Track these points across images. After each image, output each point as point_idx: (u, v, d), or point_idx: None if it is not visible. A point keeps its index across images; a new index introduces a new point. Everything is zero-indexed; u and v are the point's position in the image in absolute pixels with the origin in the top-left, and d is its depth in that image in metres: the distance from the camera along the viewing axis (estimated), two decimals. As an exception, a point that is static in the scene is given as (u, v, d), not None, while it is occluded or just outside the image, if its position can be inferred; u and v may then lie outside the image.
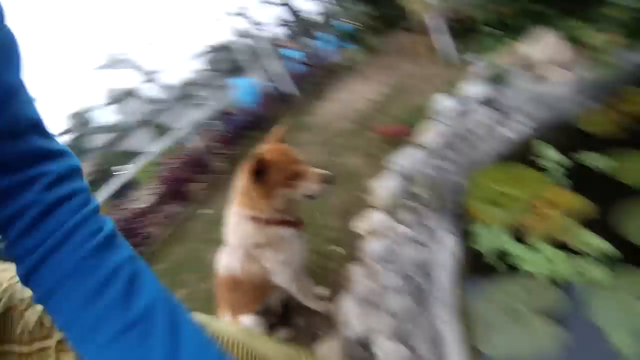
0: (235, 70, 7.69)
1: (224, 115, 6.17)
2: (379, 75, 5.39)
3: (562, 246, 1.76)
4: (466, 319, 1.60)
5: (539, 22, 2.98)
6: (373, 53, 7.53)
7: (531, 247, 1.82)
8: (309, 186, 1.31)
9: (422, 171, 2.41)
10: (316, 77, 7.21)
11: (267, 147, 1.35)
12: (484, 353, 1.46)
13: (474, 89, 2.79)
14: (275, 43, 7.69)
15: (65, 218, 0.46)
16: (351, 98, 5.11)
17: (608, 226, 1.75)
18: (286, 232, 1.41)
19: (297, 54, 8.45)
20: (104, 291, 0.45)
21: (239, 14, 5.99)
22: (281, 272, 1.46)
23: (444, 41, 4.18)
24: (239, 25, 6.23)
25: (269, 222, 1.34)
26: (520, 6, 3.02)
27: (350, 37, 8.71)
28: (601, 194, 1.95)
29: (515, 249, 1.85)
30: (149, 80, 5.88)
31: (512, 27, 3.10)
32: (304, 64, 7.95)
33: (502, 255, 1.84)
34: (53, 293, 0.45)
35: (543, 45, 2.81)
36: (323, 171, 1.33)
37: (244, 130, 5.49)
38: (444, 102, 2.82)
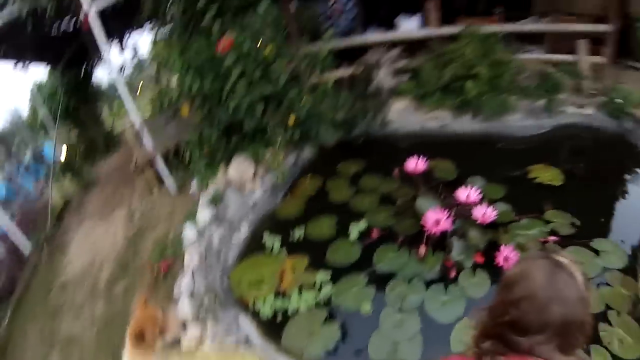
0: None
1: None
2: (113, 212, 5.77)
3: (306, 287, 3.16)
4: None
5: (235, 151, 4.66)
6: (92, 186, 7.64)
7: (291, 297, 3.10)
8: (175, 331, 2.15)
9: (198, 285, 3.38)
10: (42, 221, 6.85)
11: (141, 315, 2.09)
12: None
13: (204, 212, 4.01)
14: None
15: None
16: (96, 242, 5.28)
17: (323, 263, 3.33)
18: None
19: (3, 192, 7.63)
20: None
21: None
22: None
23: (165, 172, 5.10)
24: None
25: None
26: (223, 144, 4.67)
27: (64, 167, 8.42)
28: (309, 249, 3.58)
29: (282, 303, 3.11)
30: None
31: (219, 158, 4.66)
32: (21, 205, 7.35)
33: (280, 310, 3.06)
34: None
35: (241, 166, 4.47)
36: (180, 319, 2.21)
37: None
38: (187, 230, 3.90)
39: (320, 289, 3.13)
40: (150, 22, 7.91)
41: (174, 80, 4.72)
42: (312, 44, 5.85)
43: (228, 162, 4.61)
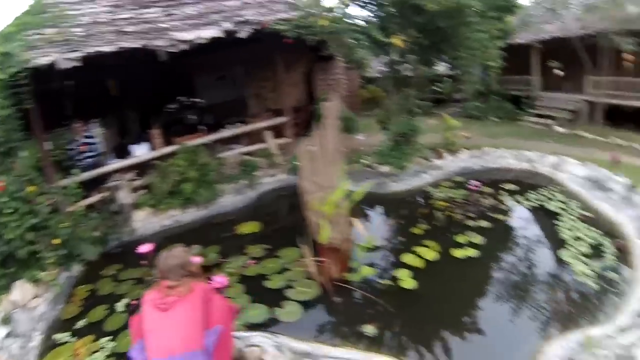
0: None
1: None
2: None
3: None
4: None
5: (15, 276, 5.83)
6: None
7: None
8: None
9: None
10: None
11: None
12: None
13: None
14: None
15: None
16: None
17: (104, 333, 5.16)
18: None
19: None
20: None
21: None
22: None
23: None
24: None
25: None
26: (3, 272, 5.76)
27: None
28: (92, 330, 5.29)
29: None
30: None
31: (1, 285, 5.72)
32: None
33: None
34: None
35: (22, 289, 5.77)
36: None
37: None
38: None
39: (104, 348, 4.83)
40: None
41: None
42: (65, 178, 7.58)
43: (10, 287, 5.79)
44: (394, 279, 5.18)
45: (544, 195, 7.73)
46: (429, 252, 5.75)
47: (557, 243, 6.02)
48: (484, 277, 5.42)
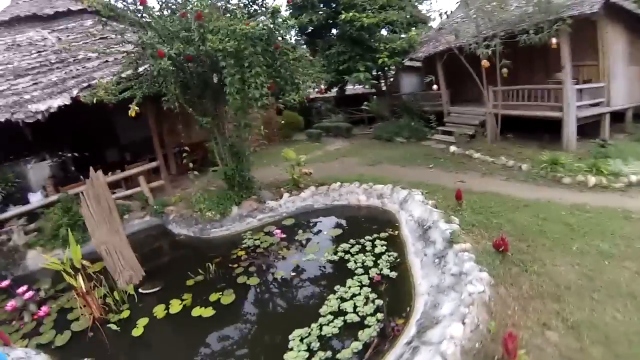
0: None
1: None
2: None
3: None
4: None
5: None
6: None
7: None
8: None
9: None
10: None
11: None
12: None
13: None
14: None
15: None
16: None
17: None
18: None
19: None
20: None
21: None
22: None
23: None
24: None
25: None
26: None
27: None
28: None
29: None
30: None
31: None
32: None
33: None
34: None
35: None
36: None
37: None
38: None
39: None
40: None
41: None
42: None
43: None
44: (134, 325, 5.57)
45: (360, 245, 7.00)
46: (177, 306, 5.90)
47: (309, 318, 5.24)
48: (194, 344, 5.33)
